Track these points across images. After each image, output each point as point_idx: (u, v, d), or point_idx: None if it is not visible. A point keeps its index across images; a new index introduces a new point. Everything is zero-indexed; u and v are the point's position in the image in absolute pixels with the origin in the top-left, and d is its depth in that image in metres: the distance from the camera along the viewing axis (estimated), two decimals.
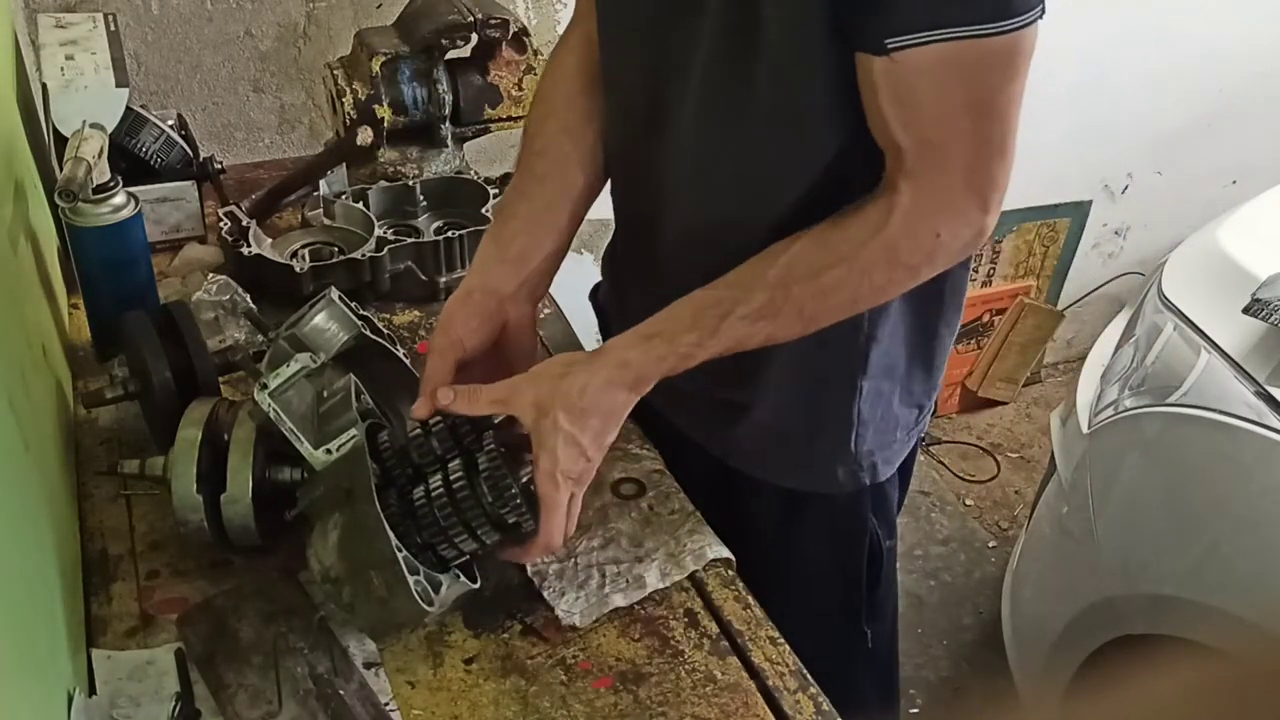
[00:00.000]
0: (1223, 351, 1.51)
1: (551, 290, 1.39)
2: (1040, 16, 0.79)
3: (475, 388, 0.90)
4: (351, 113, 1.43)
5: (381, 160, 1.48)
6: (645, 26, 0.95)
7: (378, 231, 1.34)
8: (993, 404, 2.94)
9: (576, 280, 1.31)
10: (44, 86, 1.27)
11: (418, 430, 0.91)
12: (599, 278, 1.27)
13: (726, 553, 0.99)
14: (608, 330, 1.27)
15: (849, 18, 0.82)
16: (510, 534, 0.89)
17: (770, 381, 1.04)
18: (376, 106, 1.43)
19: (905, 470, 1.17)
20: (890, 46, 0.79)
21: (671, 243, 1.03)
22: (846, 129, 0.88)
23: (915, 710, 2.12)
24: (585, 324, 1.33)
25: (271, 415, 0.89)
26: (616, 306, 1.21)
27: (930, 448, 2.78)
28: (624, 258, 1.16)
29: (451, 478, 0.87)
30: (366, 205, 1.40)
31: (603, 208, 1.22)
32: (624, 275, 1.17)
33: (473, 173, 1.52)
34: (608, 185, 1.11)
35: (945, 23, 0.77)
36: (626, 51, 1.00)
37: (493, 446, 0.88)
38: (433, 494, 0.86)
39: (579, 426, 0.87)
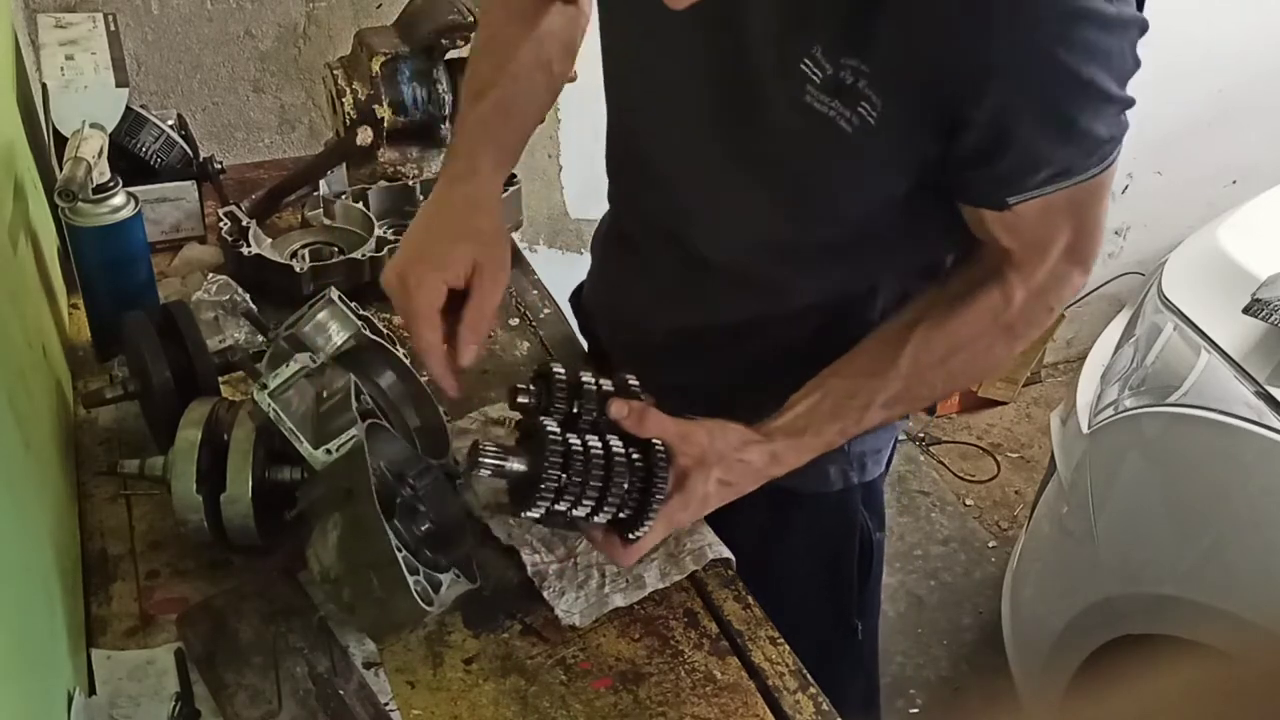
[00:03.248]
0: (1223, 351, 1.51)
1: (551, 290, 1.39)
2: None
3: (645, 411, 0.89)
4: (351, 113, 1.43)
5: (381, 160, 1.48)
6: (701, 98, 0.93)
7: (378, 231, 1.34)
8: (993, 404, 2.94)
9: (576, 280, 1.31)
10: (44, 86, 1.27)
11: (588, 380, 0.91)
12: None
13: (726, 553, 0.99)
14: (589, 331, 1.27)
15: (960, 179, 0.86)
16: (612, 525, 0.89)
17: (766, 383, 1.04)
18: (376, 106, 1.43)
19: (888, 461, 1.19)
20: (1011, 203, 0.85)
21: (696, 263, 1.03)
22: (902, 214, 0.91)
23: (915, 710, 2.12)
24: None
25: (271, 415, 0.89)
26: (615, 300, 1.19)
27: (930, 448, 2.78)
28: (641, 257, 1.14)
29: (614, 447, 0.87)
30: (366, 205, 1.40)
31: (600, 207, 1.22)
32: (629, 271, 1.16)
33: None
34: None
35: (1063, 179, 0.84)
36: (667, 96, 0.97)
37: (664, 455, 0.88)
38: (590, 449, 0.86)
39: (720, 498, 0.92)
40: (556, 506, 0.85)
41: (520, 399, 0.91)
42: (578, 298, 1.29)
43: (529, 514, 0.86)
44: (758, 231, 0.97)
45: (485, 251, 0.92)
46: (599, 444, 0.86)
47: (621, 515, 0.87)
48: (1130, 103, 0.81)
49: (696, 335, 1.07)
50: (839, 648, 1.20)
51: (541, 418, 0.87)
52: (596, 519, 0.87)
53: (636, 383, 0.93)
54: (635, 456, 0.87)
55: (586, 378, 0.91)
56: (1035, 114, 0.80)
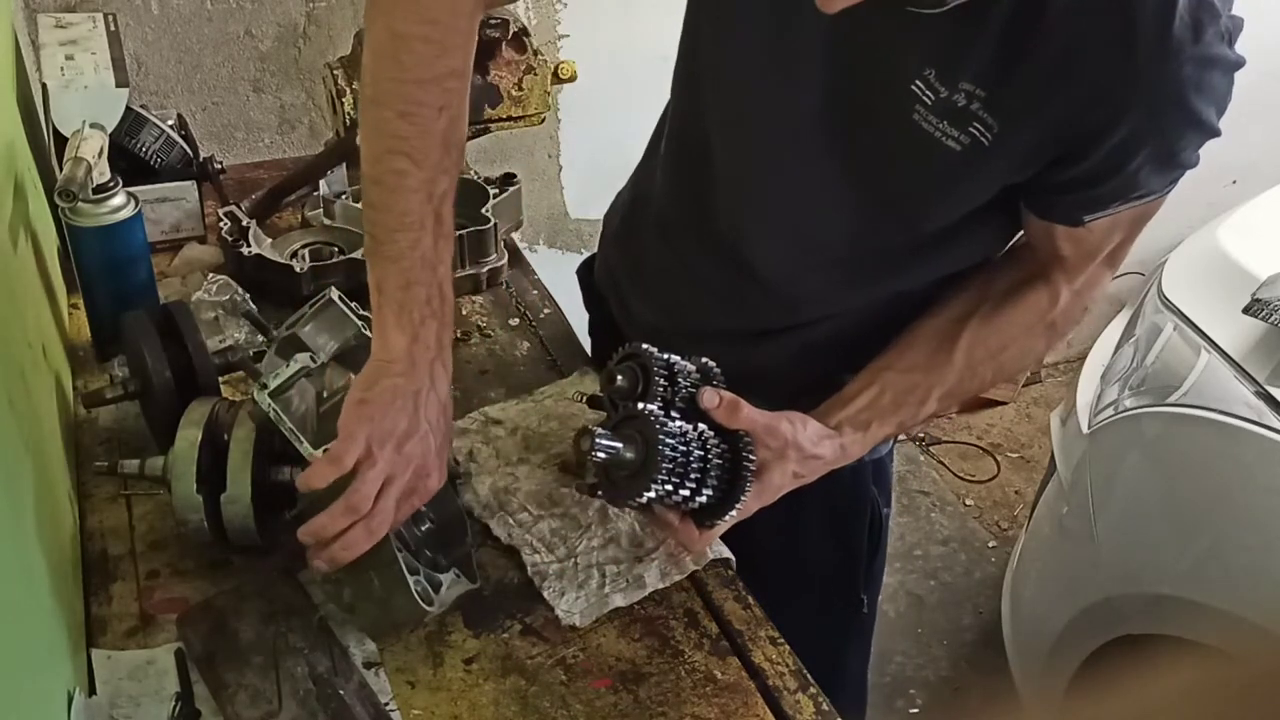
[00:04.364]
0: (1223, 351, 1.51)
1: (551, 290, 1.39)
2: None
3: (736, 403, 0.90)
4: (351, 113, 1.43)
5: None
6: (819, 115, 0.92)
7: None
8: (993, 404, 2.94)
9: (577, 280, 1.31)
10: (44, 86, 1.27)
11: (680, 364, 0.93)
12: None
13: (727, 552, 0.99)
14: (596, 304, 1.26)
15: (1046, 198, 0.88)
16: (690, 512, 0.91)
17: (781, 366, 1.06)
18: None
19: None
20: (1087, 220, 0.88)
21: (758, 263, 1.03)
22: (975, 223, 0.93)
23: (915, 710, 2.12)
24: (584, 324, 1.32)
25: (271, 415, 0.89)
26: (633, 282, 1.17)
27: (930, 448, 2.78)
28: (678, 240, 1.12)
29: (707, 435, 0.89)
30: None
31: (599, 207, 1.21)
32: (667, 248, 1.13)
33: (473, 173, 1.52)
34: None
35: (1139, 197, 0.87)
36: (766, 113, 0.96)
37: (750, 445, 0.90)
38: (687, 437, 0.88)
39: (789, 488, 0.94)
40: (663, 490, 0.88)
41: (620, 380, 0.93)
42: (587, 270, 1.28)
43: (635, 501, 0.88)
44: (824, 246, 0.98)
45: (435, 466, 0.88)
46: (695, 432, 0.89)
47: (708, 503, 0.89)
48: (1219, 134, 0.84)
49: (714, 329, 1.08)
50: (845, 622, 1.23)
51: (643, 405, 0.89)
52: (689, 504, 0.89)
53: (717, 367, 0.95)
54: (724, 447, 0.90)
55: (677, 360, 0.93)
56: (1152, 150, 0.82)
